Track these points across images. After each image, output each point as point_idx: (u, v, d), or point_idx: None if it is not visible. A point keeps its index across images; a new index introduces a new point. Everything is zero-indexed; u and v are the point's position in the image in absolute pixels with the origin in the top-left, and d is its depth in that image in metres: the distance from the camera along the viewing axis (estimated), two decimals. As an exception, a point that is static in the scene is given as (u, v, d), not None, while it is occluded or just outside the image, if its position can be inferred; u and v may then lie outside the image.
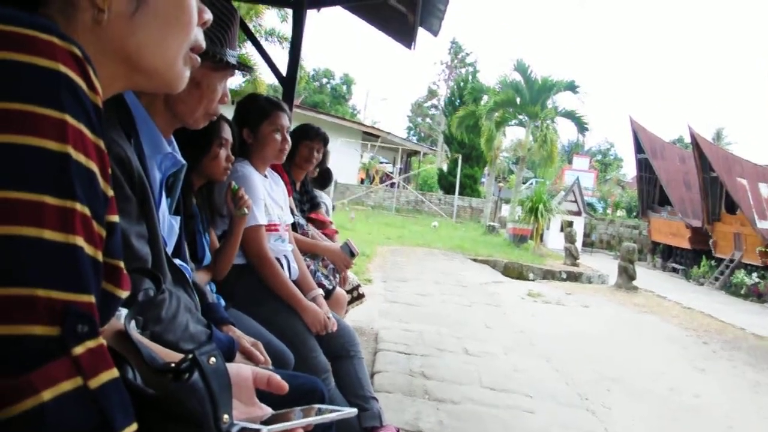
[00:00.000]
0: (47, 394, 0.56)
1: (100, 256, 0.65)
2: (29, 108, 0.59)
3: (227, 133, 2.33)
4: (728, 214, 20.39)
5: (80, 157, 0.62)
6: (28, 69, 0.60)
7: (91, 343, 0.61)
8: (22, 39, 0.61)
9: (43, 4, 0.72)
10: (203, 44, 0.92)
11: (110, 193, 0.69)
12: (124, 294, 0.78)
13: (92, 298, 0.62)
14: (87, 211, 0.62)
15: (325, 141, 3.88)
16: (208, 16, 0.93)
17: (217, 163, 2.28)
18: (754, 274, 17.75)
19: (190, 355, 0.91)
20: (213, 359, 0.93)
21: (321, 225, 4.00)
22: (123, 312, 1.27)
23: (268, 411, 1.07)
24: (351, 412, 1.14)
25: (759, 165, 21.06)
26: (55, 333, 0.58)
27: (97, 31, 0.75)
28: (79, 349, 0.59)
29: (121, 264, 0.76)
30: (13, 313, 0.56)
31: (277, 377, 1.10)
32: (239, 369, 1.07)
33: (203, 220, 2.33)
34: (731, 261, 19.33)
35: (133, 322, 1.08)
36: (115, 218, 0.72)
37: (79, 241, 0.61)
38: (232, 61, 1.68)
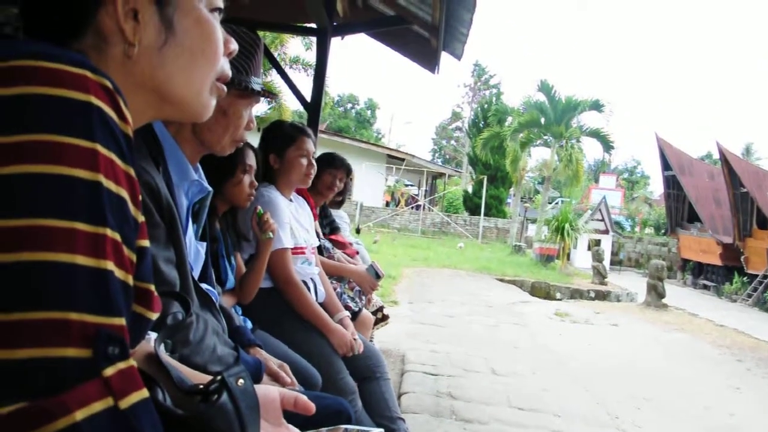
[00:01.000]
0: (80, 414, 0.57)
1: (130, 280, 0.67)
2: (62, 139, 0.62)
3: (251, 159, 2.37)
4: (760, 230, 20.08)
5: (111, 185, 0.65)
6: (62, 102, 0.63)
7: (121, 365, 0.62)
8: (55, 74, 0.64)
9: (77, 39, 0.75)
10: (229, 74, 0.95)
11: (141, 218, 0.72)
12: (155, 316, 0.80)
13: (123, 321, 0.64)
14: (118, 236, 0.65)
15: (348, 171, 3.93)
16: (234, 46, 0.97)
17: (240, 188, 2.33)
18: (789, 291, 17.43)
19: (219, 377, 0.93)
20: (241, 381, 0.95)
21: (341, 246, 4.03)
22: (152, 335, 1.32)
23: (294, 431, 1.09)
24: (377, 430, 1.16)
25: (791, 179, 20.75)
26: (88, 355, 0.59)
27: (127, 63, 0.79)
28: (110, 371, 0.61)
29: (152, 287, 0.78)
30: (48, 336, 0.58)
31: (304, 398, 1.11)
32: (267, 390, 1.09)
33: (227, 244, 2.38)
34: (765, 277, 18.98)
35: (162, 345, 1.10)
36: (146, 243, 0.75)
37: (110, 265, 0.63)
38: (258, 88, 1.71)
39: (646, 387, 6.30)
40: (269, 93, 1.85)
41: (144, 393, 0.65)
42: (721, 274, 22.12)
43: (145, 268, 0.75)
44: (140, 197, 0.72)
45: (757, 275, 19.58)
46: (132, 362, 0.65)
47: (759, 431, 5.43)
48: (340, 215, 4.63)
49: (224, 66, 0.93)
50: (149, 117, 0.89)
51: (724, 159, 20.61)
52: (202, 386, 0.97)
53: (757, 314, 16.86)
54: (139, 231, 0.72)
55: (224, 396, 0.91)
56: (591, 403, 5.39)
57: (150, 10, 0.79)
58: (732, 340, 10.49)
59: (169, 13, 0.81)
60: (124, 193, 0.67)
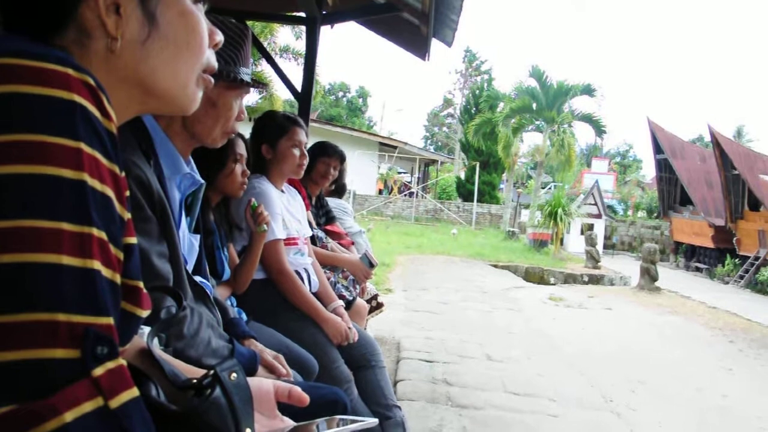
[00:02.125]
0: (69, 416, 0.57)
1: (118, 279, 0.67)
2: (45, 138, 0.61)
3: (242, 148, 2.37)
4: (752, 212, 20.20)
5: (96, 184, 0.64)
6: (44, 101, 0.63)
7: (110, 364, 0.62)
8: (37, 72, 0.64)
9: (59, 34, 0.74)
10: (215, 65, 0.94)
11: (127, 216, 0.71)
12: (145, 313, 0.80)
13: (111, 320, 0.64)
14: (104, 235, 0.65)
15: (341, 158, 3.94)
16: (220, 37, 0.96)
17: (233, 179, 2.32)
18: (781, 271, 17.55)
19: (212, 371, 0.94)
20: (234, 375, 0.95)
21: (337, 237, 4.04)
22: (146, 330, 1.32)
23: (289, 423, 1.09)
24: (372, 421, 1.16)
25: (782, 161, 20.85)
26: (76, 356, 0.60)
27: (110, 58, 0.78)
28: (99, 371, 0.61)
29: (141, 284, 0.78)
30: (36, 338, 0.58)
31: (298, 390, 1.11)
32: (260, 383, 1.09)
33: (221, 235, 2.38)
34: (756, 258, 19.11)
35: (155, 340, 1.10)
36: (133, 240, 0.75)
37: (97, 265, 0.63)
38: (247, 78, 1.69)
39: (640, 370, 6.35)
40: (259, 83, 1.85)
41: (134, 392, 0.65)
42: (714, 257, 22.27)
43: (132, 265, 0.75)
44: (127, 194, 0.72)
45: (748, 257, 19.72)
46: (121, 361, 0.65)
47: (751, 412, 5.47)
48: (342, 205, 4.64)
49: (210, 58, 0.92)
50: (134, 111, 0.89)
51: (716, 141, 20.69)
52: (195, 380, 0.97)
53: (749, 295, 16.97)
54: (125, 229, 0.71)
55: (217, 390, 0.91)
56: (585, 386, 5.43)
57: (132, 3, 0.78)
58: (724, 322, 10.56)
59: (151, 6, 0.80)
60: (110, 192, 0.67)
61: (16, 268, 0.59)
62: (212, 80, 0.94)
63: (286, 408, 1.11)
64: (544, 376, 5.51)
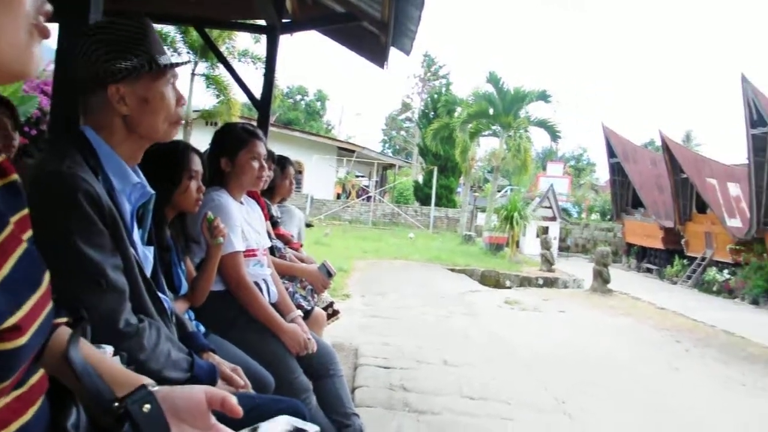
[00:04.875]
0: None
1: None
2: None
3: (197, 164, 2.39)
4: (699, 214, 20.78)
5: None
6: None
7: None
8: None
9: None
10: (49, 7, 0.79)
11: None
12: (20, 341, 0.76)
13: None
14: None
15: (273, 158, 3.93)
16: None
17: (188, 195, 2.34)
18: (725, 271, 18.08)
19: (123, 404, 0.95)
20: (147, 406, 0.96)
21: (284, 240, 4.06)
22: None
23: None
24: (312, 428, 1.18)
25: (727, 165, 21.48)
26: None
27: None
28: None
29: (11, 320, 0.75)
30: None
31: (232, 400, 1.09)
32: (191, 393, 1.07)
33: (178, 250, 2.40)
34: (703, 259, 19.67)
35: (78, 353, 1.06)
36: None
37: None
38: (166, 61, 1.63)
39: (592, 372, 6.52)
40: (180, 62, 1.72)
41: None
42: (664, 258, 22.82)
43: None
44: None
45: (696, 258, 20.28)
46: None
47: (695, 410, 5.66)
48: (291, 212, 4.63)
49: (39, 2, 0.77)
50: None
51: (666, 146, 21.23)
52: (116, 404, 0.98)
53: (696, 295, 17.45)
54: None
55: (126, 427, 0.92)
56: (539, 389, 5.55)
57: None
58: (672, 323, 10.88)
59: None
60: None
61: None
62: (48, 28, 0.79)
63: (246, 418, 1.12)
64: (500, 379, 5.62)
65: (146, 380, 1.14)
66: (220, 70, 13.90)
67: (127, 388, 1.04)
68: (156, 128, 1.65)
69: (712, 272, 18.34)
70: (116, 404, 0.98)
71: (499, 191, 30.84)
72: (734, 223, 18.84)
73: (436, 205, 32.69)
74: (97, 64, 1.56)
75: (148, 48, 1.62)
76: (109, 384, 1.07)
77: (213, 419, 1.07)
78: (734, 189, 20.10)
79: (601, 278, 14.25)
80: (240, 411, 1.08)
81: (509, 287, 15.31)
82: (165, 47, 1.72)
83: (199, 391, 1.08)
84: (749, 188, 17.01)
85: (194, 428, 1.04)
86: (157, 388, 1.09)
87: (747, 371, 7.52)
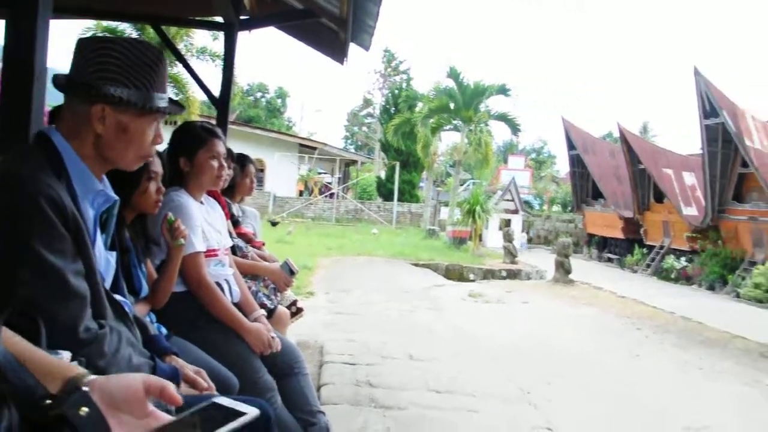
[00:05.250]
0: None
1: None
2: None
3: (156, 166, 2.35)
4: (657, 203, 21.23)
5: None
6: None
7: None
8: None
9: None
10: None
11: None
12: None
13: None
14: None
15: (233, 156, 3.90)
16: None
17: (147, 197, 2.31)
18: (683, 259, 18.51)
19: (60, 407, 0.94)
20: (84, 409, 0.95)
21: (246, 239, 4.03)
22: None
23: (164, 419, 1.07)
24: (253, 411, 1.16)
25: (683, 155, 21.97)
26: None
27: None
28: None
29: None
30: None
31: (171, 389, 1.09)
32: (128, 381, 1.07)
33: (138, 252, 2.36)
34: (661, 247, 20.11)
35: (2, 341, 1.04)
36: None
37: None
38: (161, 105, 1.63)
39: (556, 362, 6.62)
40: (174, 108, 1.73)
41: None
42: (624, 247, 23.26)
43: None
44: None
45: (654, 246, 20.73)
46: None
47: (655, 394, 5.79)
48: (248, 213, 4.59)
49: None
50: None
51: (624, 137, 21.63)
52: (48, 402, 0.97)
53: (655, 283, 17.83)
54: None
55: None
56: (504, 380, 5.62)
57: None
58: (632, 311, 11.12)
59: None
60: None
61: None
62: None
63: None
64: (465, 372, 5.66)
65: (78, 370, 1.11)
66: (179, 68, 13.65)
67: (58, 380, 1.03)
68: (124, 158, 1.64)
69: (670, 260, 18.75)
70: (48, 401, 0.97)
71: (461, 185, 31.03)
72: (690, 211, 19.30)
73: (399, 200, 32.76)
74: (94, 77, 1.54)
75: (150, 83, 1.61)
76: (39, 377, 1.05)
77: (151, 407, 1.07)
78: (689, 178, 20.57)
79: (563, 269, 14.47)
80: (179, 400, 1.09)
81: (473, 280, 15.44)
82: (167, 86, 1.70)
83: (136, 379, 1.08)
84: (703, 177, 17.43)
85: (132, 416, 1.03)
86: (91, 377, 1.08)
87: (704, 355, 7.74)
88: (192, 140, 2.82)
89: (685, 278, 17.63)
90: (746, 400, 5.95)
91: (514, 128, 28.70)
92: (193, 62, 14.69)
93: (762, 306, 13.37)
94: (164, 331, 2.44)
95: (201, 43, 16.14)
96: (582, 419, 4.91)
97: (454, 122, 28.66)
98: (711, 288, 16.21)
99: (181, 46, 14.46)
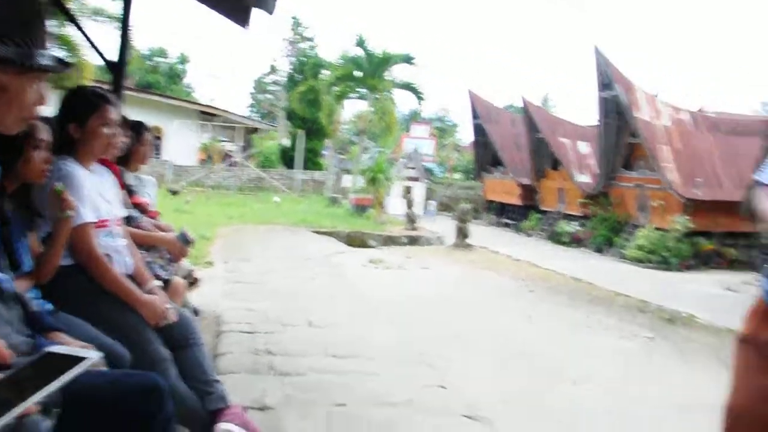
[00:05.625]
0: None
1: None
2: None
3: (43, 133, 2.28)
4: (553, 171, 22.02)
5: None
6: None
7: None
8: None
9: None
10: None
11: None
12: None
13: None
14: None
15: (127, 124, 3.81)
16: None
17: (33, 165, 2.23)
18: (575, 223, 19.36)
19: None
20: None
21: (141, 210, 3.97)
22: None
23: None
24: (92, 355, 1.15)
25: (580, 126, 22.85)
26: None
27: None
28: None
29: None
30: None
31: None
32: None
33: (18, 224, 2.28)
34: (557, 213, 20.94)
35: None
36: None
37: None
38: (42, 62, 1.56)
39: (453, 324, 6.84)
40: (58, 67, 1.66)
41: None
42: (520, 213, 24.00)
43: None
44: None
45: (549, 212, 21.60)
46: None
47: (546, 351, 6.09)
48: (145, 182, 4.50)
49: None
50: None
51: (526, 107, 22.27)
52: None
53: (550, 246, 18.54)
54: None
55: None
56: (403, 343, 5.76)
57: None
58: (527, 273, 11.58)
59: None
60: None
61: None
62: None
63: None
64: (364, 337, 5.78)
65: None
66: (72, 30, 12.87)
67: None
68: (3, 120, 1.57)
69: (564, 225, 19.57)
70: None
71: (365, 153, 31.14)
72: (583, 178, 20.14)
73: (303, 168, 32.55)
74: None
75: (33, 40, 1.52)
76: None
77: None
78: (584, 147, 21.42)
79: (462, 234, 14.86)
80: (7, 356, 1.10)
81: (374, 247, 15.59)
82: (54, 45, 1.62)
83: None
84: (598, 147, 18.25)
85: None
86: None
87: (591, 313, 8.18)
88: (83, 106, 2.73)
89: (576, 242, 18.45)
90: (626, 353, 6.36)
91: (418, 96, 29.04)
92: (90, 24, 13.92)
93: (643, 266, 14.23)
94: (49, 307, 2.38)
95: (96, 3, 15.25)
96: (475, 377, 5.10)
97: (360, 90, 28.65)
98: (599, 250, 17.04)
99: (72, 6, 13.65)
